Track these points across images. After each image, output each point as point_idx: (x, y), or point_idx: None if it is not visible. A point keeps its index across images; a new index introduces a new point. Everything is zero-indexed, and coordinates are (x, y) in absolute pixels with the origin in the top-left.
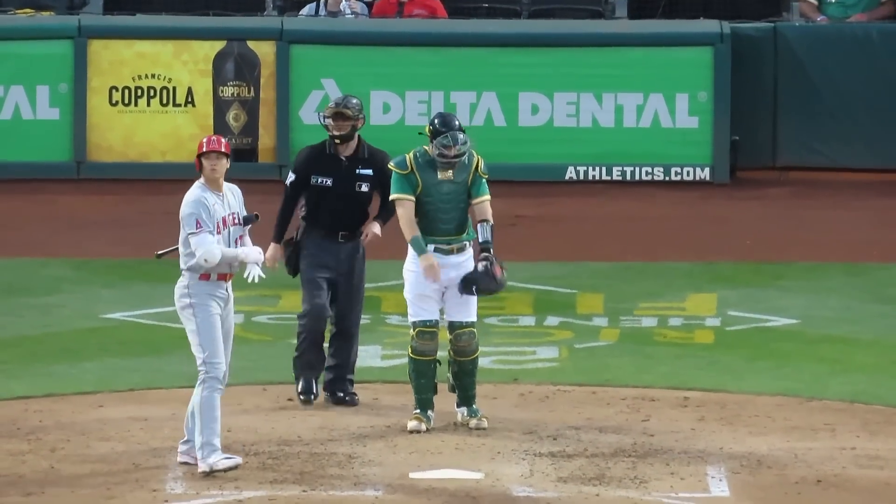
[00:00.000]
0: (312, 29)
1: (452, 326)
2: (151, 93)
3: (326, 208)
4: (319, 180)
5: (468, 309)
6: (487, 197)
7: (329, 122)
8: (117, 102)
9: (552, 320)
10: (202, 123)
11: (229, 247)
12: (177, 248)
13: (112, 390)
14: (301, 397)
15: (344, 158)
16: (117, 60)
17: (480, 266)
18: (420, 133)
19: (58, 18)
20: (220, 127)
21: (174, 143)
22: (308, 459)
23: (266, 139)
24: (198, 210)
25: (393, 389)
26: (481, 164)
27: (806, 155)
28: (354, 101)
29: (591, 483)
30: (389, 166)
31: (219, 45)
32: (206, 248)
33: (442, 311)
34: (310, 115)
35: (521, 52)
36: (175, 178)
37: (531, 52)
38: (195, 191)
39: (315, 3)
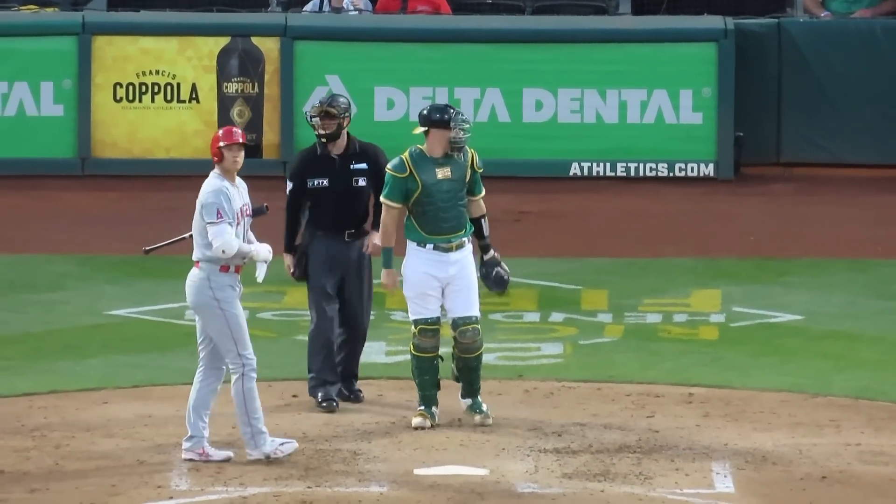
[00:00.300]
0: (316, 25)
1: (456, 323)
2: (155, 89)
3: (327, 209)
4: (316, 182)
5: (471, 304)
6: (484, 193)
7: (316, 121)
8: (121, 99)
9: (556, 316)
10: (206, 120)
11: (243, 240)
12: (166, 245)
13: (116, 387)
14: (323, 404)
15: (336, 157)
16: (121, 57)
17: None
18: (414, 133)
19: (62, 15)
20: (224, 123)
21: (178, 140)
22: (313, 456)
23: (270, 135)
24: (219, 200)
25: (397, 386)
26: (476, 159)
27: (810, 151)
28: (341, 99)
29: (595, 479)
30: (386, 169)
31: (223, 42)
32: (225, 238)
33: (443, 308)
34: None
35: (525, 48)
36: (179, 174)
37: (535, 48)
38: (215, 181)
39: (319, 0)
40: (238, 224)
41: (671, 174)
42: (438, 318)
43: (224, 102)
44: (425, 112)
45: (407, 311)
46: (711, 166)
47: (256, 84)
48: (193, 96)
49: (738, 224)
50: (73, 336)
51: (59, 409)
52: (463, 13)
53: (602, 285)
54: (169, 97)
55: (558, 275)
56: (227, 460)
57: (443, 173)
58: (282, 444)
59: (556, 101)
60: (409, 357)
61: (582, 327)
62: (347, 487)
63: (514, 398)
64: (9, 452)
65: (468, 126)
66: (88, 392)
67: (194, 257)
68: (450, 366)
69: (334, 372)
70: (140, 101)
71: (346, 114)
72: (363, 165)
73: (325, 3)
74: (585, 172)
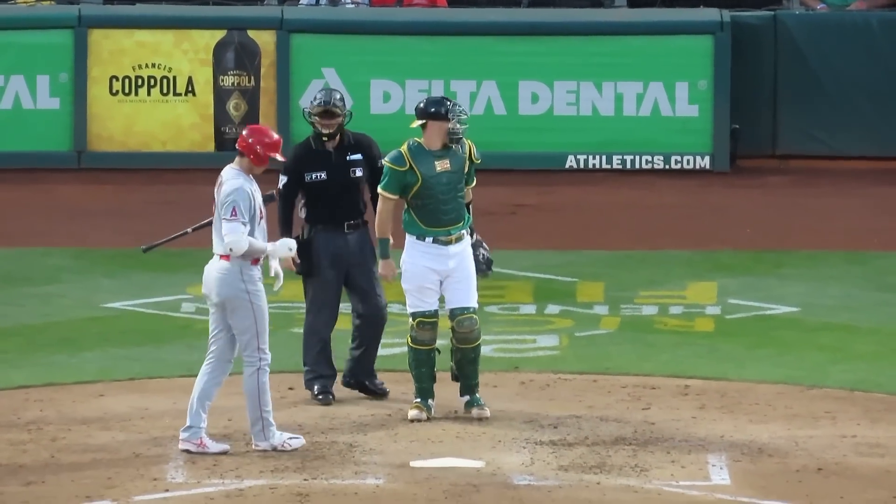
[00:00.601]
0: (313, 18)
1: (454, 313)
2: (152, 82)
3: (326, 202)
4: (314, 176)
5: (469, 295)
6: (475, 184)
7: (316, 119)
8: (118, 92)
9: (553, 308)
10: (202, 113)
11: (264, 236)
12: (164, 242)
13: (113, 380)
14: (319, 397)
15: (332, 150)
16: (117, 50)
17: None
18: (412, 126)
19: (58, 8)
20: (221, 116)
21: (174, 133)
22: (309, 448)
23: None
24: (238, 200)
25: (393, 378)
26: (474, 151)
27: (806, 143)
28: (339, 96)
29: (591, 471)
30: (384, 161)
31: (219, 35)
32: (236, 237)
33: (441, 300)
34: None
35: (521, 40)
36: (175, 167)
37: (531, 40)
38: (241, 180)
39: None
40: (261, 219)
41: (667, 167)
42: (437, 312)
43: (220, 96)
44: (422, 105)
45: (403, 304)
46: (707, 159)
47: (253, 77)
48: (190, 89)
49: (734, 216)
50: (69, 329)
51: (55, 401)
52: (459, 6)
53: (598, 277)
54: (165, 90)
55: (554, 267)
56: (224, 453)
57: (442, 166)
58: (290, 438)
59: (552, 94)
60: (405, 349)
61: (578, 319)
62: (344, 480)
63: (511, 390)
64: (5, 445)
65: (466, 118)
66: (85, 385)
67: (219, 251)
68: (450, 364)
69: (330, 365)
70: (136, 94)
71: (346, 111)
72: (358, 156)
73: None
74: (581, 165)
